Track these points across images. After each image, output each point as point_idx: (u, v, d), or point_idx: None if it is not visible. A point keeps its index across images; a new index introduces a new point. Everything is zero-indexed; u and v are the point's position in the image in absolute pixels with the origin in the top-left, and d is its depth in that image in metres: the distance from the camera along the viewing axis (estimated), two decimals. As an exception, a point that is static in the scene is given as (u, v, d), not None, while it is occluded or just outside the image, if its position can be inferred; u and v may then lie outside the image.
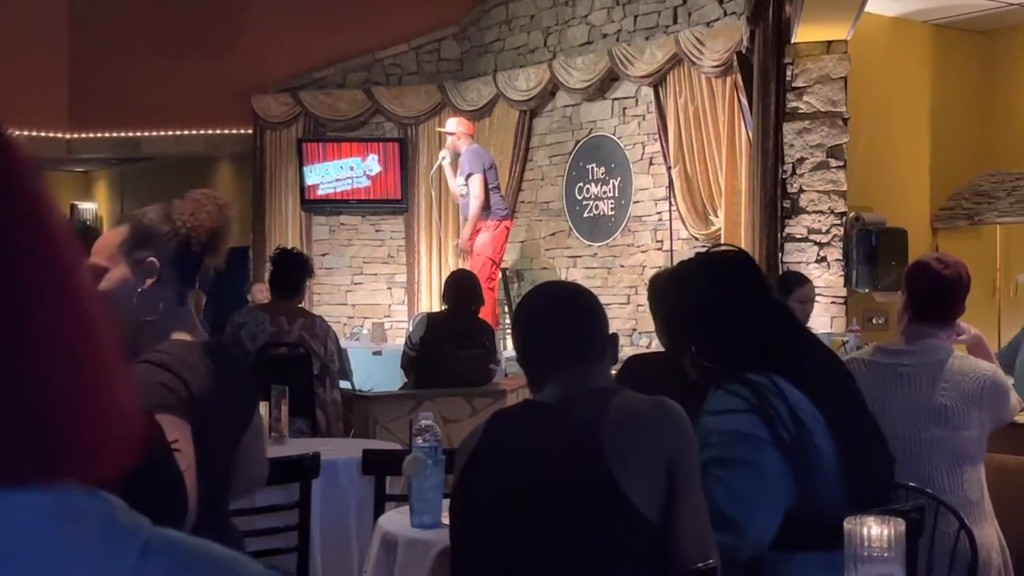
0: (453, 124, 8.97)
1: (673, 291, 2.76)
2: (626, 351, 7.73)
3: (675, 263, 2.63)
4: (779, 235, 7.06)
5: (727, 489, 2.36)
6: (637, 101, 8.78)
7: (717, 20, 8.12)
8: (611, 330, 2.34)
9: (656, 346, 4.40)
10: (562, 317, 2.28)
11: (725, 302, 2.57)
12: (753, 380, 2.43)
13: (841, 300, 7.12)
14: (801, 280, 5.81)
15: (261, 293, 8.30)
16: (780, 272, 6.73)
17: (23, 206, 0.55)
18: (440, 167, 9.02)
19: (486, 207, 8.51)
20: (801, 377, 2.47)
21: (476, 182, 8.47)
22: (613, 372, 2.97)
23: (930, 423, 3.22)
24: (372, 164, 10.32)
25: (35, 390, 0.53)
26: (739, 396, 2.42)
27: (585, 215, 9.16)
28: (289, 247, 6.13)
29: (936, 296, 3.35)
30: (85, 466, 0.54)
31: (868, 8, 6.78)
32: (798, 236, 7.13)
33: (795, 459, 2.38)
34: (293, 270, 5.40)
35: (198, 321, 2.31)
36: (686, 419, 2.17)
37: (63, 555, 0.52)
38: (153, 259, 2.19)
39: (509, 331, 6.80)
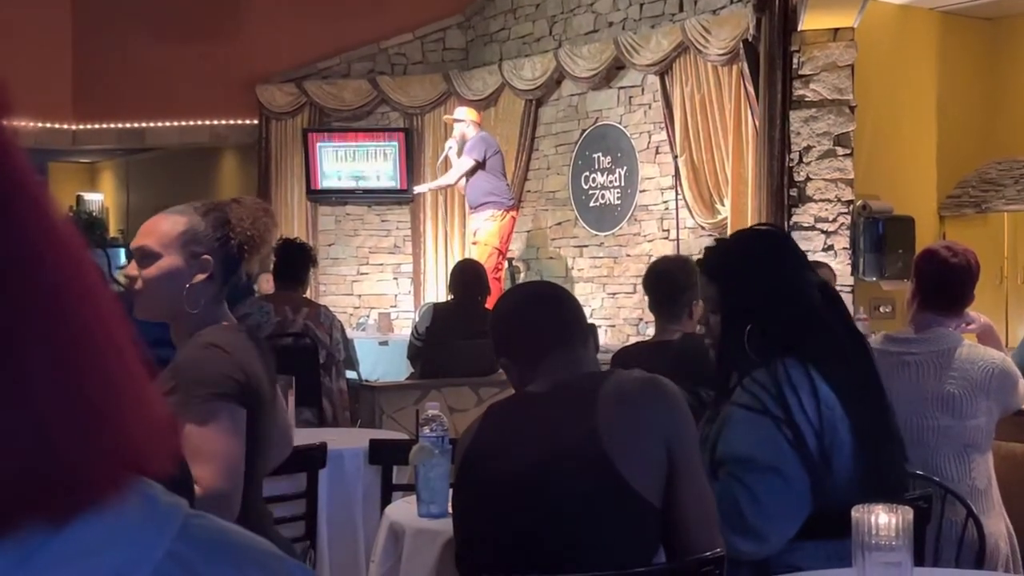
0: (463, 112, 8.96)
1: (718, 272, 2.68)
2: (632, 340, 7.72)
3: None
4: (786, 224, 7.05)
5: (753, 497, 2.34)
6: (643, 90, 8.75)
7: (723, 8, 8.08)
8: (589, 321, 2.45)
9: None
10: (540, 307, 2.33)
11: (757, 283, 2.55)
12: (781, 373, 2.40)
13: (848, 289, 7.10)
14: (815, 265, 5.80)
15: (267, 283, 8.29)
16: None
17: (20, 209, 0.53)
18: (446, 157, 9.00)
19: (487, 194, 8.50)
20: (823, 363, 2.45)
21: (465, 163, 8.53)
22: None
23: (937, 411, 3.21)
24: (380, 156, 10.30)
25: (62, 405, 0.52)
26: (760, 398, 2.39)
27: (591, 204, 9.13)
28: (293, 237, 6.13)
29: (945, 284, 3.34)
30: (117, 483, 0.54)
31: (874, -5, 6.76)
32: (805, 225, 7.11)
33: (814, 465, 2.36)
34: (296, 260, 5.41)
35: (231, 316, 2.42)
36: (680, 396, 2.17)
37: (109, 532, 0.53)
38: (208, 256, 2.29)
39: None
